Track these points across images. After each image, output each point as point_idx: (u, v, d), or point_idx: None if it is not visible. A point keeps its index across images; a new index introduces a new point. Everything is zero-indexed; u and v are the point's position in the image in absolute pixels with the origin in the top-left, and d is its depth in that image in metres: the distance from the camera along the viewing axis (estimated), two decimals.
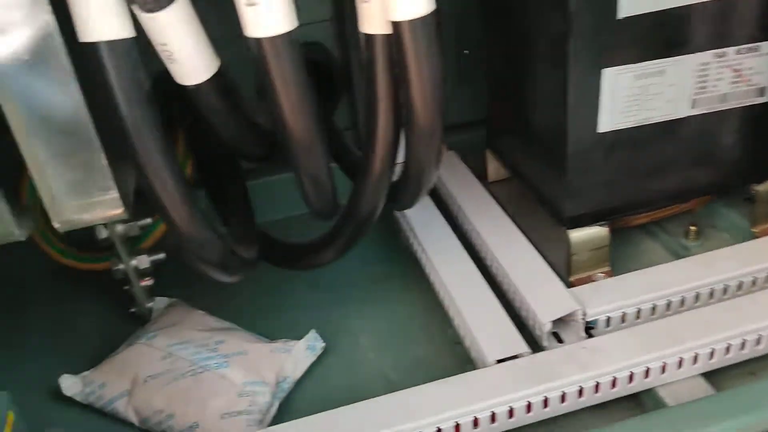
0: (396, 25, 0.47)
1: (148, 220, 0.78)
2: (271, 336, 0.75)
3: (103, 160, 0.48)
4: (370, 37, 0.50)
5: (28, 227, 0.51)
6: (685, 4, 0.65)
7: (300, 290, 0.84)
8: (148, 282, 0.79)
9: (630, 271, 0.74)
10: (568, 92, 0.67)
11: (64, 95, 0.46)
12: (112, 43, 0.44)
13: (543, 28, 0.71)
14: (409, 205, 0.62)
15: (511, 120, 0.85)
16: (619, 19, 0.64)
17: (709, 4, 0.66)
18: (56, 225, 0.50)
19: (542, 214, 0.80)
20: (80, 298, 0.87)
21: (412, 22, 0.46)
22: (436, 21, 0.47)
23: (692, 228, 0.81)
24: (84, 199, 0.50)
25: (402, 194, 0.60)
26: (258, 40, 0.45)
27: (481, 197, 0.87)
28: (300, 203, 0.93)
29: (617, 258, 0.78)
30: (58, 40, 0.45)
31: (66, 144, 0.48)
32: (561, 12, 0.64)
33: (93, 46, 0.43)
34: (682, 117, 0.71)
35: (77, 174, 0.49)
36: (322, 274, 0.81)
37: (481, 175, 0.93)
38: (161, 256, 0.78)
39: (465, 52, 0.96)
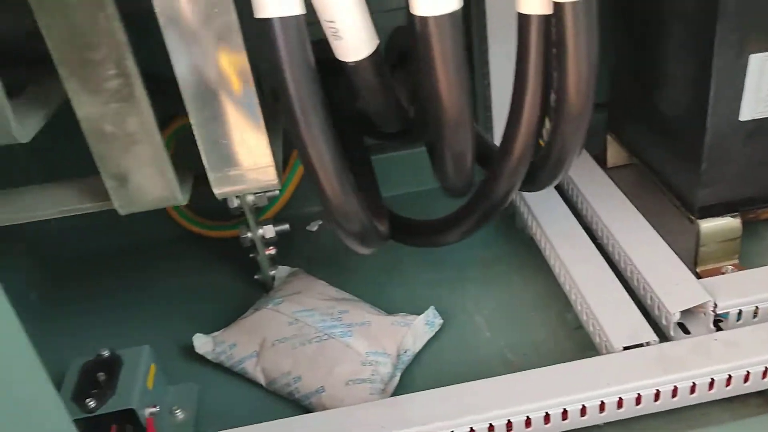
0: (559, 5, 0.47)
1: (276, 192, 0.81)
2: (387, 310, 0.77)
3: (264, 132, 0.51)
4: (525, 17, 0.50)
5: (188, 192, 0.54)
6: None
7: (416, 267, 0.85)
8: (271, 251, 0.82)
9: (759, 266, 0.72)
10: (711, 78, 0.65)
11: (235, 69, 0.48)
12: (284, 20, 0.45)
13: (684, 8, 0.68)
14: (543, 188, 0.62)
15: (638, 104, 0.83)
16: None
17: None
18: (216, 192, 0.53)
19: (665, 201, 0.78)
20: (206, 264, 0.91)
21: (576, 3, 0.46)
22: (596, 3, 0.47)
23: None
24: (242, 169, 0.52)
25: (538, 176, 0.60)
26: (424, 18, 0.46)
27: (601, 182, 0.85)
28: (407, 182, 0.96)
29: (744, 251, 0.75)
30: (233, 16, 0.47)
31: (230, 116, 0.50)
32: None
33: (267, 22, 0.45)
34: None
35: (238, 144, 0.51)
36: (438, 252, 0.82)
37: (599, 159, 0.91)
38: (285, 226, 0.81)
39: None
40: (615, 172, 0.90)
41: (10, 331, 0.31)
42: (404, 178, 0.97)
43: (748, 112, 0.67)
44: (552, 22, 0.49)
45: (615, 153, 0.91)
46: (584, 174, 0.87)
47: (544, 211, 0.82)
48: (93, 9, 0.44)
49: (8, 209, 0.54)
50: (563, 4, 0.46)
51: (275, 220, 0.81)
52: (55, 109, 0.51)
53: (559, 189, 0.87)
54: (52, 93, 0.51)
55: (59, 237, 0.88)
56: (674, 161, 0.76)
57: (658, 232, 0.76)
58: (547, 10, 0.49)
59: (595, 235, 0.80)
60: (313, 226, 0.96)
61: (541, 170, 0.59)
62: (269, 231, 0.80)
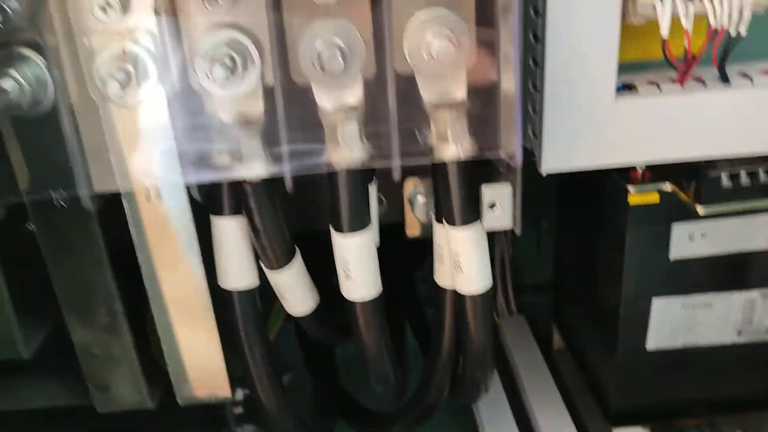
0: (459, 294, 0.59)
1: None
2: None
3: (219, 349, 0.62)
4: (440, 288, 0.62)
5: (158, 396, 0.66)
6: (737, 251, 0.72)
7: None
8: (239, 410, 0.92)
9: None
10: (620, 311, 0.75)
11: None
12: (242, 293, 0.58)
13: (604, 251, 0.79)
14: (468, 403, 0.73)
15: (572, 303, 0.93)
16: (671, 260, 0.73)
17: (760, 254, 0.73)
18: (179, 400, 0.64)
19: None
20: (173, 419, 1.00)
21: (472, 297, 0.58)
22: (491, 294, 0.58)
23: None
24: (203, 382, 0.64)
25: (460, 393, 0.71)
26: (352, 303, 0.58)
27: (539, 369, 0.95)
28: None
29: None
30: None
31: (197, 339, 0.62)
32: (619, 247, 0.73)
33: (228, 292, 0.58)
34: (728, 344, 0.78)
35: (194, 357, 0.63)
36: None
37: (548, 339, 1.01)
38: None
39: (544, 225, 1.05)
40: (561, 354, 0.99)
41: None
42: None
43: (653, 343, 0.77)
44: None
45: (559, 338, 1.01)
46: (524, 358, 0.97)
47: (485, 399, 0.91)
48: (92, 267, 0.57)
49: (4, 397, 0.66)
50: (463, 295, 0.58)
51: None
52: (53, 326, 0.64)
53: (505, 367, 0.97)
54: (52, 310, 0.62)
55: None
56: (595, 366, 0.86)
57: (583, 425, 0.85)
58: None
59: (527, 418, 0.89)
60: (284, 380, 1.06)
61: (460, 389, 0.70)
62: (238, 393, 0.90)
